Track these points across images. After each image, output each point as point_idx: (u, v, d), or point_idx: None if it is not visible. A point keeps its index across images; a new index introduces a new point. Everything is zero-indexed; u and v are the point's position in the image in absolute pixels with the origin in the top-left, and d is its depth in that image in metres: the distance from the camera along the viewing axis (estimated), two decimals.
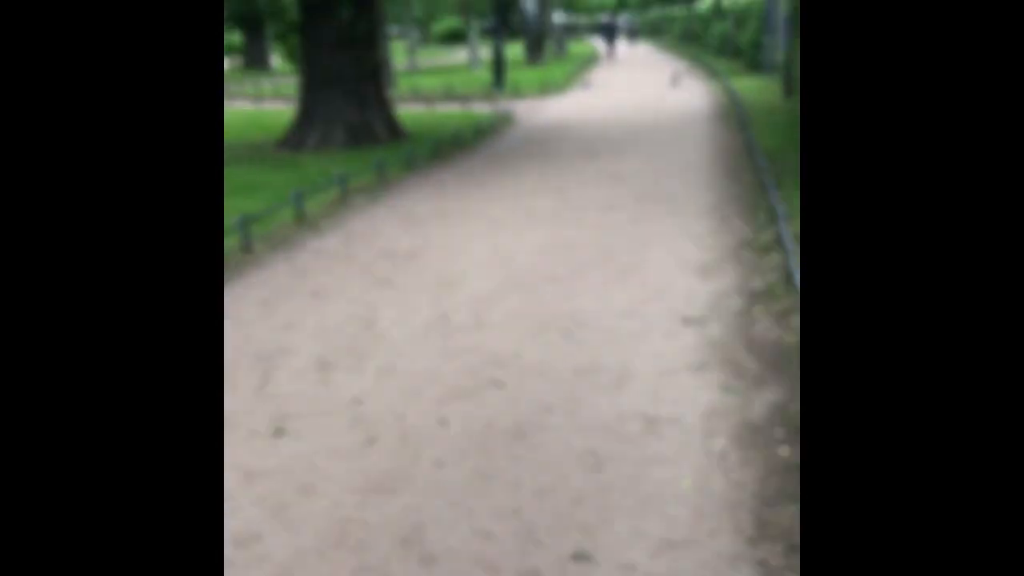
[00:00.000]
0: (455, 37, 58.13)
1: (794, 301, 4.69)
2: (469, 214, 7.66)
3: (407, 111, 17.01)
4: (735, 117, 12.94)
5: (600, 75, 25.80)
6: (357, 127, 12.04)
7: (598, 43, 45.84)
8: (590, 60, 32.57)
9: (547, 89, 20.31)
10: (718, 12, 29.77)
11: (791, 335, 4.36)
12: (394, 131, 12.61)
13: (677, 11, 42.00)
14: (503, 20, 27.67)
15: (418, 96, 20.35)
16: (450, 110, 17.20)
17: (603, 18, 56.41)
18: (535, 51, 31.85)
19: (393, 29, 37.72)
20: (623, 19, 59.00)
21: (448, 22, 63.33)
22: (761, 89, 16.50)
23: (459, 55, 41.40)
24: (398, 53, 42.83)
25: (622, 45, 45.46)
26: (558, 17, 48.73)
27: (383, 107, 12.57)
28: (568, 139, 12.20)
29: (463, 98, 19.25)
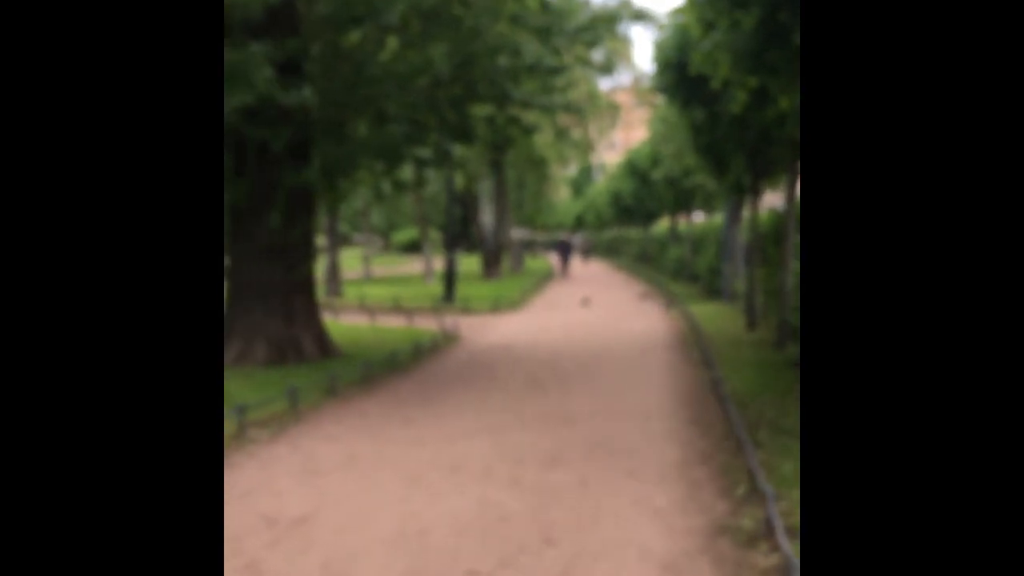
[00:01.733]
0: (416, 247, 58.67)
1: None
2: (383, 462, 6.31)
3: (348, 323, 15.99)
4: (696, 348, 11.99)
5: (555, 293, 25.27)
6: (282, 342, 10.84)
7: (555, 259, 46.33)
8: (547, 277, 32.33)
9: (499, 306, 19.52)
10: (674, 236, 29.93)
11: None
12: (324, 348, 11.42)
13: (633, 233, 42.69)
14: (457, 233, 27.44)
15: (364, 307, 19.43)
16: (394, 324, 16.18)
17: (560, 236, 57.71)
18: (492, 265, 31.60)
19: (357, 236, 37.65)
20: (578, 237, 60.38)
21: (410, 232, 64.20)
22: (721, 317, 15.76)
23: (417, 265, 41.31)
24: (353, 260, 42.69)
25: (576, 262, 45.93)
26: (516, 232, 49.45)
27: (313, 321, 11.43)
28: (514, 366, 11.07)
29: (410, 311, 18.31)
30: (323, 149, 10.59)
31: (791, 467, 5.67)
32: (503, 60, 10.24)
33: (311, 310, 11.43)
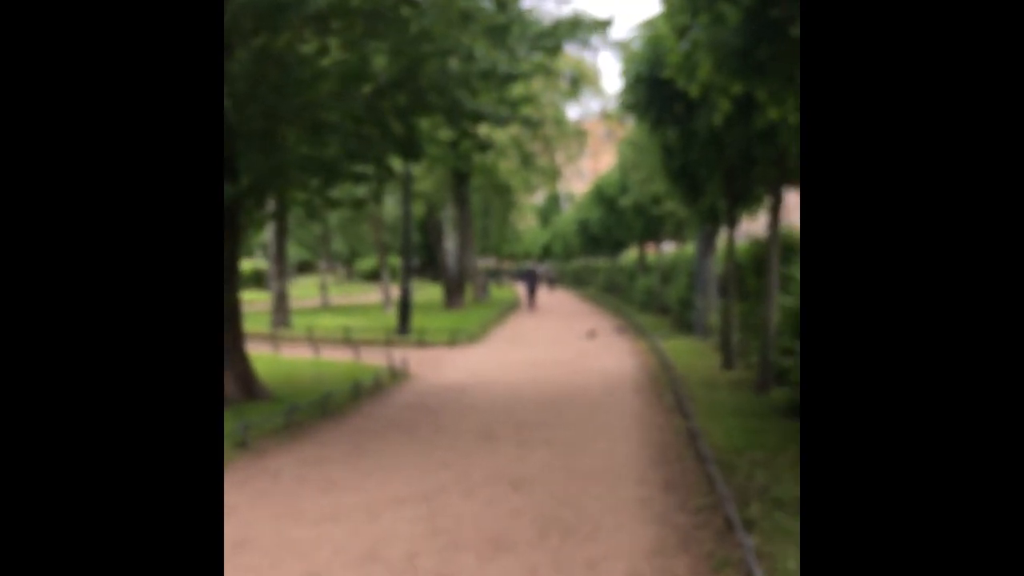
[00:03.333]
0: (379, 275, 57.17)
1: None
2: (280, 550, 4.98)
3: (289, 358, 14.65)
4: (668, 390, 10.78)
5: (518, 325, 24.05)
6: None
7: (521, 288, 45.24)
8: (512, 307, 31.09)
9: (457, 339, 18.22)
10: (643, 266, 28.88)
11: None
12: (249, 389, 10.04)
13: (601, 262, 41.65)
14: (418, 260, 26.14)
15: (311, 339, 18.04)
16: (340, 358, 14.82)
17: (527, 265, 56.81)
18: (454, 295, 30.31)
19: (322, 264, 36.36)
20: (543, 267, 59.56)
21: (374, 259, 62.65)
22: (694, 354, 14.59)
23: (379, 293, 39.89)
24: (312, 288, 41.15)
25: (542, 291, 44.81)
26: (482, 261, 48.28)
27: (237, 359, 10.05)
28: (464, 410, 9.78)
29: (358, 344, 16.94)
30: (248, 162, 9.30)
31: (797, 561, 4.44)
32: (453, 64, 9.04)
33: (235, 347, 10.05)
